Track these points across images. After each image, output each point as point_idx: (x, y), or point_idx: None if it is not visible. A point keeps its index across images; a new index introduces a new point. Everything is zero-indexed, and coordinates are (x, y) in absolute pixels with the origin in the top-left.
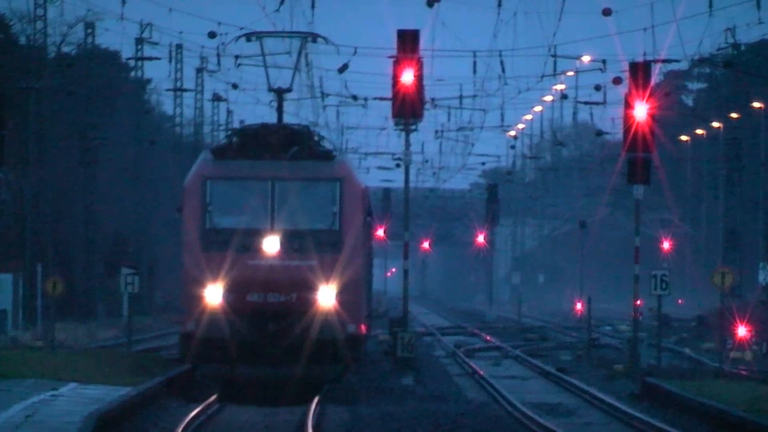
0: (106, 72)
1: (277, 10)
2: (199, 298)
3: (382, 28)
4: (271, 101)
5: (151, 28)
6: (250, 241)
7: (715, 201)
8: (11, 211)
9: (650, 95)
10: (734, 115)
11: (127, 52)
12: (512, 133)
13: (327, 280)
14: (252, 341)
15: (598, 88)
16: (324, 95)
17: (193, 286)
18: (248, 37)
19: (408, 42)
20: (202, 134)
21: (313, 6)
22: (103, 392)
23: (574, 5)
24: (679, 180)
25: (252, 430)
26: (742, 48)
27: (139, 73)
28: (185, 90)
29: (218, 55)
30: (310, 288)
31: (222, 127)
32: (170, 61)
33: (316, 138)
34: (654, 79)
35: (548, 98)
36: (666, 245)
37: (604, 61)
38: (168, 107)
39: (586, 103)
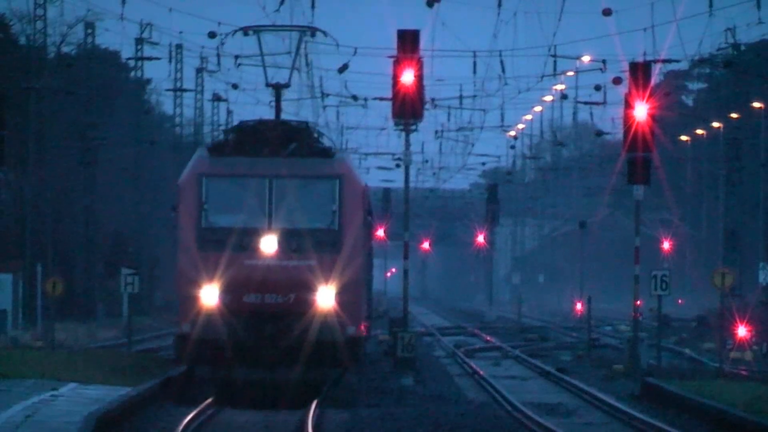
0: (106, 72)
1: (277, 10)
2: (194, 299)
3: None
4: (270, 101)
5: (151, 28)
6: (247, 240)
7: (715, 201)
8: (11, 211)
9: (650, 95)
10: (734, 115)
11: (127, 52)
12: (512, 133)
13: (326, 280)
14: (249, 343)
15: (598, 88)
16: (324, 95)
17: (188, 286)
18: (246, 31)
19: (408, 42)
20: (202, 134)
21: (313, 6)
22: (103, 392)
23: (574, 5)
24: (679, 180)
25: (252, 430)
26: (742, 48)
27: (139, 73)
28: (185, 90)
29: (218, 55)
30: (309, 289)
31: (222, 128)
32: (170, 61)
33: (315, 134)
34: (654, 79)
35: (548, 98)
36: (666, 245)
37: (604, 61)
38: (168, 107)
39: (586, 103)
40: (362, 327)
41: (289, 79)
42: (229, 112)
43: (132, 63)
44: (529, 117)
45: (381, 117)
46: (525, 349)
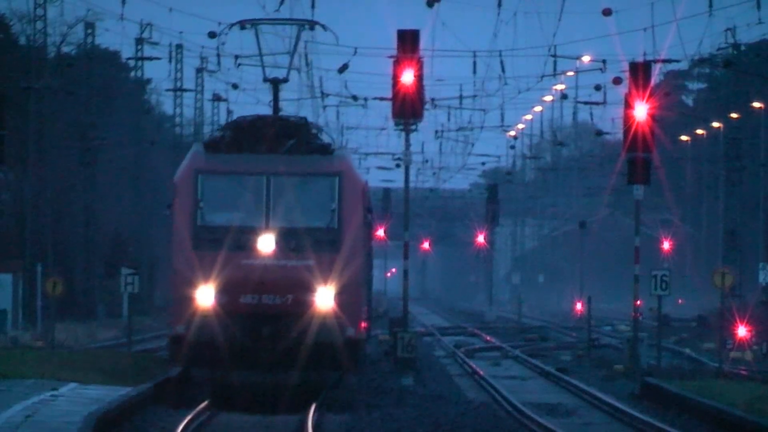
0: (106, 72)
1: (277, 10)
2: (189, 300)
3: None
4: (270, 101)
5: (151, 28)
6: (243, 239)
7: (715, 201)
8: (11, 211)
9: (650, 95)
10: (734, 115)
11: (127, 52)
12: (512, 133)
13: (325, 280)
14: (246, 345)
15: (598, 88)
16: (324, 95)
17: (183, 286)
18: (243, 24)
19: (408, 42)
20: (202, 134)
21: (313, 6)
22: (103, 392)
23: (574, 5)
24: (679, 180)
25: (252, 430)
26: (742, 48)
27: (139, 73)
28: (185, 90)
29: (218, 55)
30: (307, 289)
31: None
32: (170, 61)
33: (313, 131)
34: (654, 79)
35: (548, 98)
36: (666, 245)
37: (604, 61)
38: (168, 107)
39: (586, 103)
40: (362, 328)
41: (288, 74)
42: (229, 112)
43: (132, 63)
44: (529, 117)
45: (381, 117)
46: (525, 349)
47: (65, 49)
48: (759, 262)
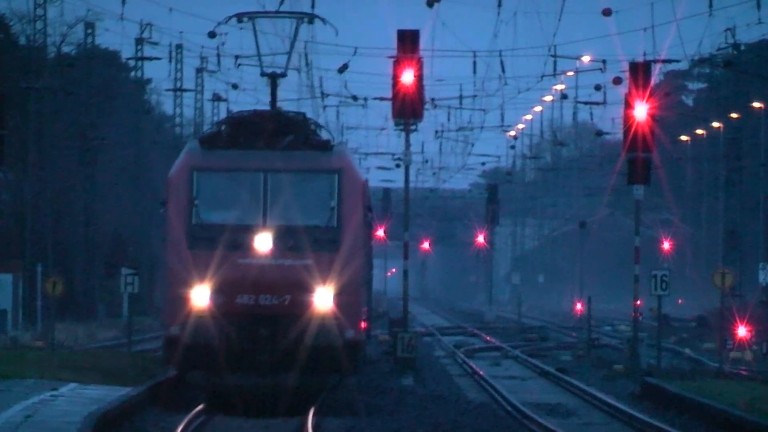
0: (106, 72)
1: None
2: (184, 300)
3: (382, 28)
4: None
5: (151, 28)
6: (240, 238)
7: (715, 201)
8: (11, 211)
9: (650, 95)
10: (734, 115)
11: (127, 52)
12: (512, 133)
13: (324, 281)
14: (242, 347)
15: (598, 88)
16: (324, 95)
17: (178, 286)
18: (240, 17)
19: (408, 42)
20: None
21: (312, 6)
22: (103, 392)
23: (574, 5)
24: (679, 180)
25: (252, 430)
26: (742, 48)
27: (139, 73)
28: (185, 90)
29: (218, 55)
30: (306, 290)
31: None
32: (170, 61)
33: (312, 126)
34: (654, 79)
35: (548, 98)
36: (666, 245)
37: (604, 61)
38: (168, 107)
39: (586, 103)
40: (362, 330)
41: (286, 68)
42: (229, 112)
43: (132, 63)
44: (529, 117)
45: (381, 117)
46: (525, 349)
47: (65, 49)
48: (759, 262)
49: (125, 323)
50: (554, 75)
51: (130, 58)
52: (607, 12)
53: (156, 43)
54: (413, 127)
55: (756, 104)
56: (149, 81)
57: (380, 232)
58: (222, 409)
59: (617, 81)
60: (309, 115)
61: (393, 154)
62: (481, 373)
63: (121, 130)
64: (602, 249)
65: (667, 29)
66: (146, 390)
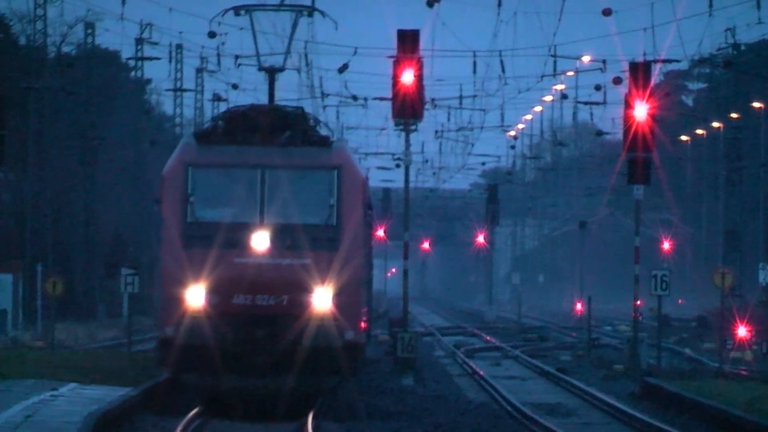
0: (106, 72)
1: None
2: (179, 300)
3: (382, 28)
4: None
5: (151, 28)
6: (236, 236)
7: (715, 201)
8: (11, 211)
9: (650, 95)
10: (734, 115)
11: (127, 52)
12: (512, 133)
13: (323, 280)
14: (238, 349)
15: (598, 88)
16: (324, 95)
17: (172, 286)
18: (237, 11)
19: (408, 42)
20: None
21: (313, 2)
22: (103, 392)
23: (574, 5)
24: (679, 180)
25: (252, 430)
26: (742, 48)
27: (139, 73)
28: (185, 90)
29: (218, 55)
30: (304, 289)
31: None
32: (170, 61)
33: (311, 122)
34: (654, 79)
35: (548, 98)
36: (666, 245)
37: (604, 61)
38: (168, 107)
39: (586, 103)
40: (362, 331)
41: (284, 63)
42: None
43: (132, 63)
44: (529, 117)
45: (381, 117)
46: (525, 349)
47: (65, 49)
48: (759, 262)
49: (125, 323)
50: (554, 75)
51: (130, 58)
52: (607, 12)
53: (156, 43)
54: (413, 127)
55: (756, 104)
56: (149, 81)
57: (380, 232)
58: (219, 412)
59: (617, 81)
60: None
61: (393, 154)
62: (481, 373)
63: (121, 130)
64: (602, 249)
65: (667, 29)
66: (141, 393)
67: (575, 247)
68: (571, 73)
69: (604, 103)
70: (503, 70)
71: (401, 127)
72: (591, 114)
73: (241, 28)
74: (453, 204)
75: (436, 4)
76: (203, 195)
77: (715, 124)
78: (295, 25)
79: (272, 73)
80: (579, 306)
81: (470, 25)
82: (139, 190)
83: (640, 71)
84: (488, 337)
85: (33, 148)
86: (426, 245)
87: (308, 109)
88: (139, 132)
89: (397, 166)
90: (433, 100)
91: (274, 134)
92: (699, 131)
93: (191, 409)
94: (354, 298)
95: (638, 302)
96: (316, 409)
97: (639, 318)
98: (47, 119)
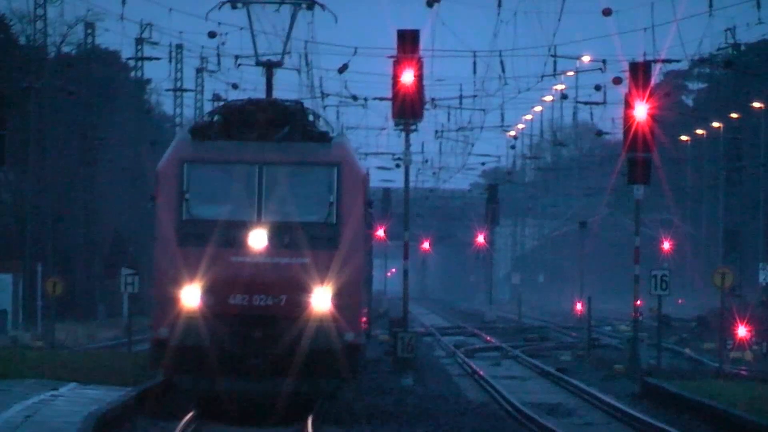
0: (106, 72)
1: (277, 10)
2: (173, 300)
3: (382, 28)
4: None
5: (151, 28)
6: (233, 234)
7: (715, 201)
8: (11, 211)
9: (650, 95)
10: (734, 115)
11: (127, 52)
12: (512, 133)
13: (322, 280)
14: (235, 350)
15: (598, 88)
16: (324, 95)
17: (166, 286)
18: (234, 4)
19: (408, 42)
20: None
21: (312, 13)
22: (103, 392)
23: (574, 5)
24: (679, 180)
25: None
26: (742, 48)
27: (139, 73)
28: (185, 90)
29: (218, 55)
30: (303, 289)
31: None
32: (170, 61)
33: (310, 117)
34: (654, 79)
35: (548, 98)
36: (666, 245)
37: (604, 61)
38: (168, 107)
39: (586, 103)
40: (362, 332)
41: (282, 57)
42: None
43: (132, 63)
44: (529, 117)
45: (381, 117)
46: (525, 349)
47: (65, 49)
48: (759, 262)
49: (125, 323)
50: (554, 75)
51: (130, 58)
52: (607, 12)
53: (156, 43)
54: (413, 127)
55: (756, 104)
56: (149, 81)
57: (380, 232)
58: (215, 416)
59: (617, 81)
60: None
61: (393, 154)
62: (481, 373)
63: (121, 130)
64: (602, 249)
65: (667, 29)
66: (147, 389)
67: (575, 247)
68: (571, 73)
69: (604, 103)
70: (503, 70)
71: (401, 127)
72: (591, 114)
73: (241, 28)
74: (453, 204)
75: (436, 4)
76: (199, 192)
77: (715, 124)
78: (293, 19)
79: (270, 67)
80: (579, 306)
81: (470, 25)
82: (139, 190)
83: (640, 71)
84: (488, 337)
85: (33, 148)
86: (426, 245)
87: None
88: (139, 132)
89: (397, 166)
90: (433, 100)
91: (273, 129)
92: (699, 131)
93: (187, 412)
94: (354, 298)
95: (638, 302)
96: (316, 412)
97: (639, 318)
98: (47, 119)
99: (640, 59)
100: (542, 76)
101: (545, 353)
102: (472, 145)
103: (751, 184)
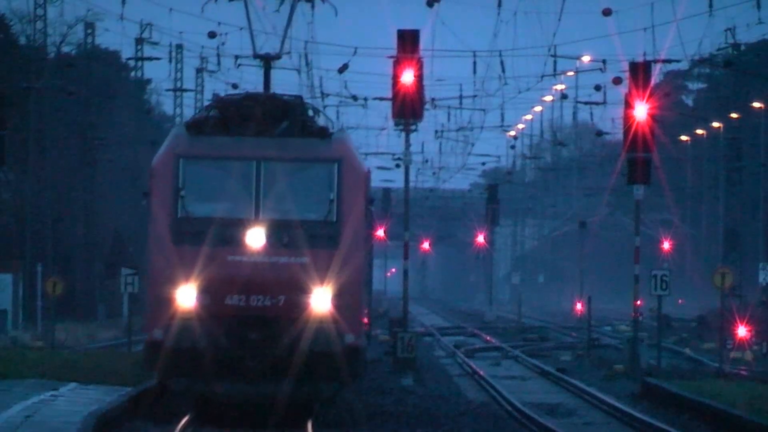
0: (106, 72)
1: (277, 11)
2: (168, 301)
3: (382, 28)
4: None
5: (151, 28)
6: (230, 232)
7: (715, 201)
8: (11, 211)
9: (650, 95)
10: (734, 115)
11: (127, 52)
12: (512, 133)
13: (322, 280)
14: (231, 352)
15: (598, 88)
16: (324, 95)
17: (161, 286)
18: None
19: (408, 42)
20: None
21: (312, 6)
22: (103, 392)
23: (574, 5)
24: (679, 180)
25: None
26: (742, 48)
27: (139, 73)
28: (185, 90)
29: (218, 55)
30: (302, 290)
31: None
32: (170, 61)
33: (310, 112)
34: (654, 79)
35: (548, 98)
36: (666, 245)
37: (604, 61)
38: (168, 107)
39: (586, 103)
40: (363, 335)
41: (281, 49)
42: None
43: (132, 63)
44: (529, 117)
45: (381, 117)
46: (525, 349)
47: (65, 49)
48: (759, 262)
49: (125, 323)
50: (554, 75)
51: (130, 58)
52: (607, 12)
53: (156, 43)
54: (413, 127)
55: (756, 104)
56: (149, 81)
57: (380, 232)
58: (211, 420)
59: (617, 81)
60: None
61: (393, 154)
62: (481, 373)
63: (121, 130)
64: (602, 249)
65: (667, 29)
66: (147, 389)
67: (575, 247)
68: (571, 73)
69: (604, 103)
70: (503, 70)
71: (401, 127)
72: (591, 114)
73: (241, 28)
74: (453, 204)
75: (436, 4)
76: (195, 188)
77: (715, 124)
78: (293, 10)
79: (268, 60)
80: (579, 306)
81: (470, 25)
82: (139, 191)
83: (640, 71)
84: (488, 337)
85: (33, 148)
86: (426, 245)
87: None
88: (138, 132)
89: (397, 166)
90: (433, 100)
91: (271, 124)
92: (699, 131)
93: (183, 416)
94: (355, 299)
95: (638, 302)
96: (316, 416)
97: (639, 318)
98: (47, 119)
99: (640, 59)
100: (542, 76)
101: (545, 353)
102: (472, 145)
103: (751, 184)
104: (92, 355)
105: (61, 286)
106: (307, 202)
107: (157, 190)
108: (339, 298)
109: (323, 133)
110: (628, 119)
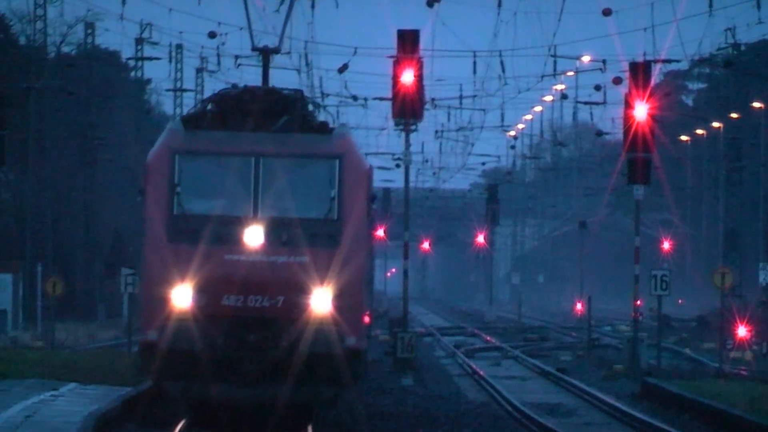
0: (106, 72)
1: (277, 10)
2: (163, 301)
3: (382, 28)
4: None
5: (151, 28)
6: (227, 230)
7: (715, 201)
8: (11, 211)
9: (650, 95)
10: (734, 115)
11: (127, 52)
12: (512, 133)
13: (322, 280)
14: (228, 355)
15: (598, 88)
16: (324, 95)
17: (156, 285)
18: None
19: (408, 42)
20: None
21: (312, 6)
22: (103, 392)
23: (574, 5)
24: (679, 180)
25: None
26: (742, 48)
27: (139, 73)
28: (185, 90)
29: (218, 55)
30: (301, 290)
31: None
32: (170, 61)
33: (310, 106)
34: (654, 79)
35: (548, 98)
36: (666, 245)
37: (604, 61)
38: (168, 107)
39: (586, 103)
40: (364, 336)
41: (280, 43)
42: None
43: (132, 63)
44: (529, 117)
45: (381, 117)
46: (525, 349)
47: (65, 49)
48: (759, 262)
49: (125, 323)
50: (554, 75)
51: (130, 58)
52: (607, 12)
53: (156, 43)
54: (413, 127)
55: (756, 104)
56: (149, 81)
57: (380, 232)
58: (208, 424)
59: (617, 81)
60: None
61: (393, 154)
62: (481, 373)
63: (121, 130)
64: (602, 249)
65: (667, 29)
66: (147, 389)
67: (575, 247)
68: (571, 73)
69: (604, 103)
70: (503, 70)
71: (401, 127)
72: (591, 114)
73: (241, 28)
74: (453, 204)
75: (436, 4)
76: (191, 185)
77: (715, 124)
78: (292, 3)
79: (266, 54)
80: (579, 306)
81: (470, 25)
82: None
83: (640, 71)
84: (488, 337)
85: (33, 148)
86: (426, 245)
87: None
88: (138, 132)
89: (397, 166)
90: (433, 100)
91: (270, 119)
92: (699, 131)
93: (179, 419)
94: (356, 300)
95: (638, 302)
96: (316, 419)
97: (639, 318)
98: (47, 119)
99: (640, 59)
100: (542, 76)
101: (545, 353)
102: (472, 145)
103: (751, 184)
104: (92, 355)
105: (61, 286)
106: (307, 200)
107: (152, 187)
108: (340, 299)
109: (324, 129)
110: (628, 119)
